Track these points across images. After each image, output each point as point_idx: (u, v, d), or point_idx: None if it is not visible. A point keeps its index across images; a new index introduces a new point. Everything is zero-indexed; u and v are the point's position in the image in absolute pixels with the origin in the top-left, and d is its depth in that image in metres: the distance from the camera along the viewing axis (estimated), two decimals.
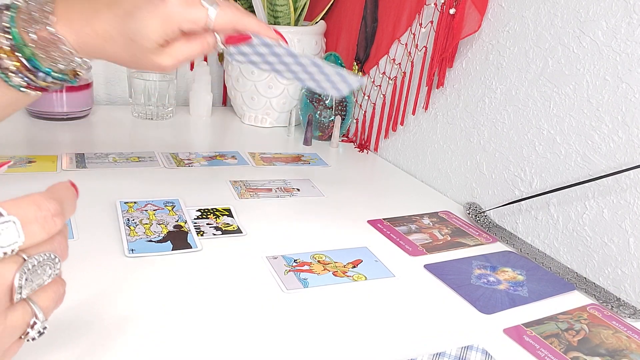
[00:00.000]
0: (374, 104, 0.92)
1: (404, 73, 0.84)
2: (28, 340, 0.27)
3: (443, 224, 0.69)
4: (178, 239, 0.56)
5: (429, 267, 0.58)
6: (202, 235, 0.58)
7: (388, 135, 0.90)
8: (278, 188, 0.73)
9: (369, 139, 0.95)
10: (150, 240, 0.55)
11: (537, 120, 0.65)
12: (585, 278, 0.59)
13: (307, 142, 0.94)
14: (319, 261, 0.55)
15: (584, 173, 0.60)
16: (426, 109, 0.82)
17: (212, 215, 0.62)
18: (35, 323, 0.27)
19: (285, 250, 0.57)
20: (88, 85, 0.91)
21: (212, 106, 1.04)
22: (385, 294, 0.52)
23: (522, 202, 0.67)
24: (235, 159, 0.83)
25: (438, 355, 0.43)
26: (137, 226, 0.57)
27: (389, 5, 0.86)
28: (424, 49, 0.80)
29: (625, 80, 0.56)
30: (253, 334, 0.43)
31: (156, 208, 0.62)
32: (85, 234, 0.55)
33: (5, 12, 0.44)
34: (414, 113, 0.84)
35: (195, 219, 0.61)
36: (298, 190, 0.73)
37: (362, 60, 0.92)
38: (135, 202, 0.63)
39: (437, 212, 0.72)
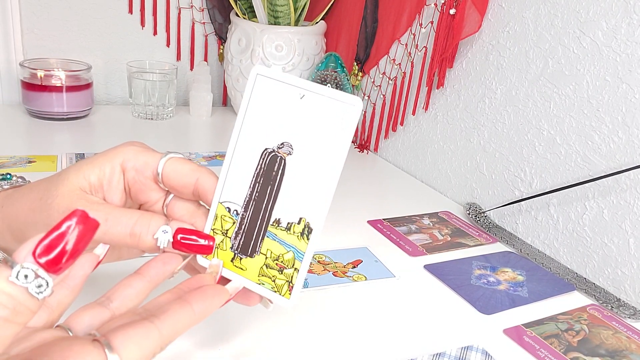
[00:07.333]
0: (374, 104, 0.92)
1: (404, 73, 0.84)
2: None
3: (443, 224, 0.69)
4: None
5: (429, 267, 0.58)
6: None
7: (388, 135, 0.90)
8: None
9: (369, 139, 0.95)
10: None
11: (537, 121, 0.65)
12: (585, 278, 0.59)
13: None
14: (318, 261, 0.55)
15: (584, 173, 0.60)
16: (426, 109, 0.82)
17: None
18: None
19: None
20: (88, 85, 0.91)
21: (212, 106, 1.04)
22: (385, 294, 0.52)
23: (522, 202, 0.67)
24: None
25: (438, 356, 0.43)
26: None
27: (389, 5, 0.86)
28: (424, 49, 0.80)
29: (625, 81, 0.56)
30: (252, 334, 0.43)
31: None
32: None
33: None
34: (414, 113, 0.84)
35: None
36: None
37: (362, 61, 0.92)
38: None
39: (437, 213, 0.72)
